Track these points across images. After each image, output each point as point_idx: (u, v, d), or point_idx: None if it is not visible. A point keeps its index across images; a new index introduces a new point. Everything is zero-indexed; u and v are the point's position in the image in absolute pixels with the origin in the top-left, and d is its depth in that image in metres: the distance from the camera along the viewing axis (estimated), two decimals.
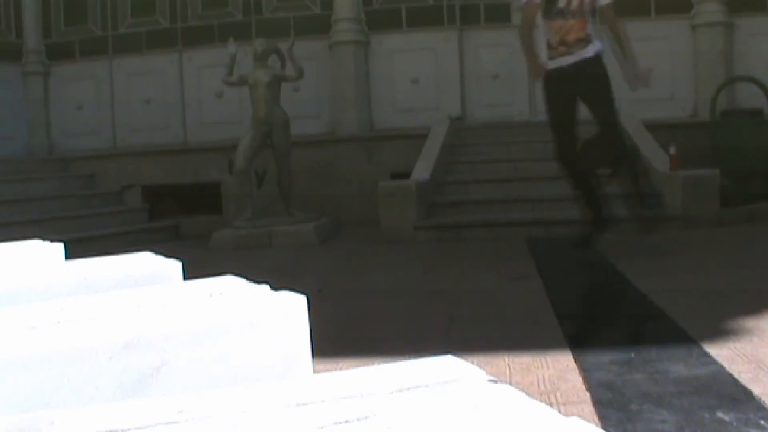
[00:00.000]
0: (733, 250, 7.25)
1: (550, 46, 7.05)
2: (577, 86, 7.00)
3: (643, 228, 7.50)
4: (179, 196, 11.63)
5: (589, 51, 6.95)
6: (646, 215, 7.44)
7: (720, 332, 4.15)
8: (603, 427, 2.81)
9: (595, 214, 7.25)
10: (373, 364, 1.56)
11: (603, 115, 7.05)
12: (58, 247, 2.99)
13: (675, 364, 3.59)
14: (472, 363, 1.44)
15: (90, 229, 9.97)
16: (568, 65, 6.99)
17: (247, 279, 2.17)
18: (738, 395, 3.12)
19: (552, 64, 7.04)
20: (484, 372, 1.39)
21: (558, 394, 3.31)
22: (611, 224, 7.29)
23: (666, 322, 4.53)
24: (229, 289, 2.09)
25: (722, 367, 3.52)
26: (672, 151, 9.08)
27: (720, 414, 2.91)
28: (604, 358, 3.75)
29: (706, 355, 3.73)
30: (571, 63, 6.98)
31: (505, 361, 3.84)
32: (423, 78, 11.43)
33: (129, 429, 1.22)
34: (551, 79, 7.08)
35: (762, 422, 2.80)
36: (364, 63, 11.51)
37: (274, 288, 2.04)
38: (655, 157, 9.45)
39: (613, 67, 7.07)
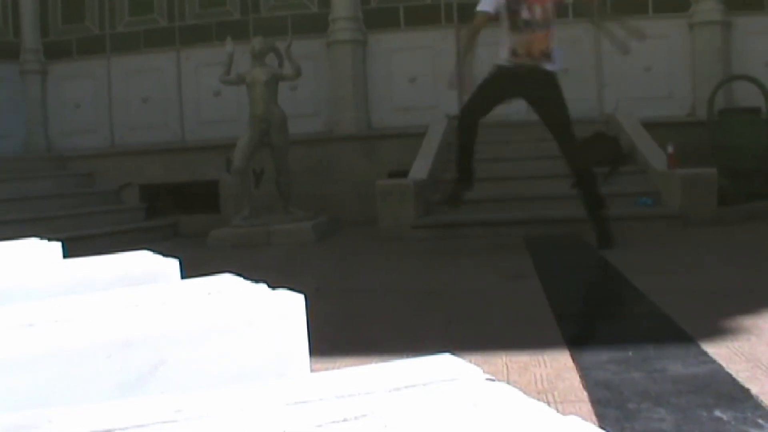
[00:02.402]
0: (731, 249, 7.25)
1: (515, 54, 7.33)
2: (525, 89, 7.38)
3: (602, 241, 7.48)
4: (177, 194, 11.63)
5: (549, 66, 7.29)
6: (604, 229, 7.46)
7: (718, 331, 4.15)
8: (601, 426, 2.81)
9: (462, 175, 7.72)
10: (371, 362, 1.56)
11: (558, 121, 7.40)
12: (56, 246, 2.99)
13: (673, 363, 3.59)
14: (470, 362, 1.44)
15: (88, 228, 9.96)
16: (525, 68, 7.28)
17: (245, 278, 2.17)
18: (736, 394, 3.12)
19: (509, 63, 7.34)
20: (481, 371, 1.39)
21: (556, 393, 3.31)
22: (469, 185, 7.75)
23: (664, 320, 4.53)
24: (227, 288, 2.09)
25: (720, 365, 3.52)
26: (670, 149, 9.09)
27: (718, 413, 2.91)
28: (602, 357, 3.75)
29: (704, 353, 3.74)
30: (530, 67, 7.28)
31: (503, 360, 3.84)
32: (421, 77, 11.43)
33: (127, 428, 1.22)
34: (503, 74, 7.39)
35: (760, 421, 2.81)
36: (362, 62, 11.51)
37: (272, 287, 2.04)
38: (654, 155, 9.46)
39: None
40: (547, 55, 7.25)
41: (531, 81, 7.26)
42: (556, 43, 7.32)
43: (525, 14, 7.22)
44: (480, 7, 7.43)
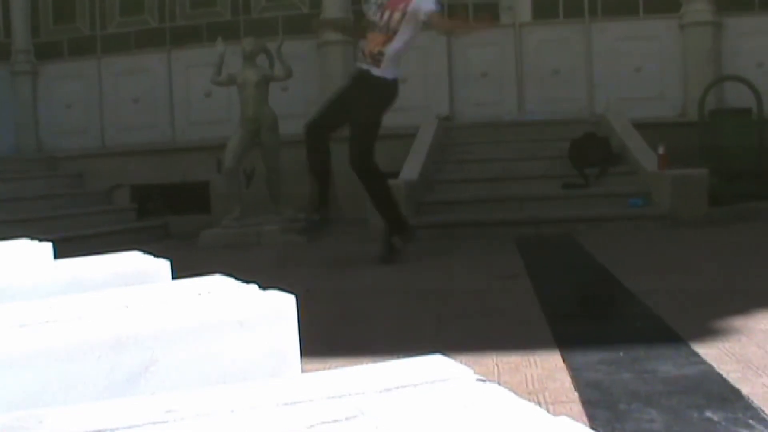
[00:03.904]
0: (722, 250, 7.26)
1: (362, 53, 7.32)
2: (351, 92, 7.29)
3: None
4: (168, 195, 11.61)
5: (376, 70, 7.10)
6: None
7: (708, 332, 4.16)
8: (592, 427, 2.81)
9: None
10: (362, 363, 1.56)
11: (358, 120, 7.22)
12: (47, 247, 2.98)
13: (664, 364, 3.60)
14: (461, 362, 1.44)
15: (78, 229, 9.94)
16: (356, 69, 7.36)
17: (236, 278, 2.17)
18: (726, 394, 3.13)
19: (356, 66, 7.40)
20: (472, 371, 1.39)
21: (546, 394, 3.31)
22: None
23: (655, 321, 4.54)
24: (218, 289, 2.09)
25: (711, 366, 3.53)
26: (661, 150, 9.09)
27: (708, 413, 2.92)
28: (593, 358, 3.76)
29: (695, 354, 3.74)
30: (358, 68, 7.30)
31: (493, 361, 3.84)
32: (411, 77, 11.37)
33: (117, 428, 1.22)
34: (351, 77, 7.54)
35: (750, 421, 2.81)
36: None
37: (263, 287, 2.04)
38: (644, 156, 9.48)
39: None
40: (376, 59, 7.06)
41: (354, 81, 7.31)
42: (394, 51, 7.07)
43: (373, 16, 7.15)
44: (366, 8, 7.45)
